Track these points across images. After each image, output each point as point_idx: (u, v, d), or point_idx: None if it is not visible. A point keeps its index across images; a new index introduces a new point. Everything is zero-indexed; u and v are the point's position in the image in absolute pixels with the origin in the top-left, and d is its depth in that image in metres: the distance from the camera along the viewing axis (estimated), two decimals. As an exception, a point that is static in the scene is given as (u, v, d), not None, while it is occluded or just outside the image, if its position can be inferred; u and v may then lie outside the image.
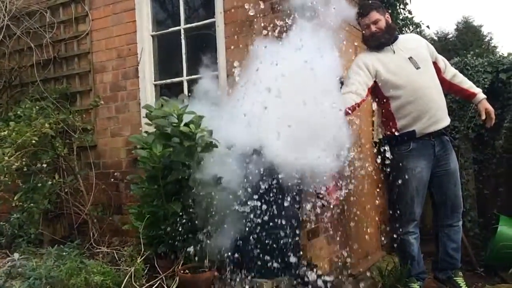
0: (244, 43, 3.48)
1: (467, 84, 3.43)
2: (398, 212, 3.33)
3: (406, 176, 3.23)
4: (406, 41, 3.39)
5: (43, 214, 3.94)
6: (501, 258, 3.95)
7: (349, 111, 3.04)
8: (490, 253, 4.11)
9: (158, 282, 2.89)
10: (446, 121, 3.29)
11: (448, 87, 3.45)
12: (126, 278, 2.84)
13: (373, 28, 3.29)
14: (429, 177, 3.28)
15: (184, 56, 3.91)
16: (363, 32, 3.39)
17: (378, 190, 4.54)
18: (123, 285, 2.81)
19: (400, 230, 3.32)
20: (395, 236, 3.37)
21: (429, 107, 3.18)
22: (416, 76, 3.20)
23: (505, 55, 4.93)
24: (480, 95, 3.38)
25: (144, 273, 2.97)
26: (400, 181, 3.26)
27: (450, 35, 13.47)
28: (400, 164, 3.28)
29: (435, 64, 3.38)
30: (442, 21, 29.54)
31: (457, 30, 13.75)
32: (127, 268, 3.00)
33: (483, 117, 3.34)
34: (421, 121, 3.19)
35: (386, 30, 3.30)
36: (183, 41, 3.92)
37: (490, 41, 13.61)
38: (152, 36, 4.10)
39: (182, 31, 3.93)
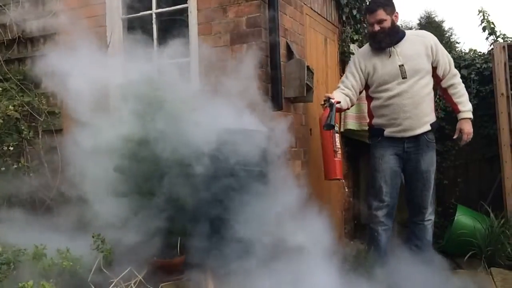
0: (217, 30, 3.48)
1: (458, 99, 3.40)
2: (370, 199, 3.46)
3: (375, 165, 3.37)
4: (410, 43, 3.34)
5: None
6: (457, 246, 4.13)
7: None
8: (447, 241, 4.29)
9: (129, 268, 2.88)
10: (416, 131, 3.31)
11: (442, 93, 3.56)
12: (95, 264, 2.83)
13: (377, 27, 3.30)
14: (399, 169, 3.39)
15: (155, 42, 3.86)
16: (368, 29, 3.47)
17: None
18: (92, 270, 2.81)
19: (371, 218, 3.43)
20: (363, 223, 3.50)
21: (398, 116, 3.27)
22: (397, 85, 3.26)
23: (467, 51, 5.10)
24: (463, 114, 3.38)
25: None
26: (371, 169, 3.43)
27: (413, 30, 13.79)
28: (371, 153, 3.45)
29: (434, 70, 3.36)
30: (406, 15, 30.23)
31: (420, 25, 14.10)
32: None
33: (455, 136, 3.44)
34: (390, 127, 3.33)
35: (389, 31, 3.29)
36: (154, 26, 3.86)
37: (451, 37, 14.04)
38: (123, 19, 4.02)
39: (154, 15, 3.87)
